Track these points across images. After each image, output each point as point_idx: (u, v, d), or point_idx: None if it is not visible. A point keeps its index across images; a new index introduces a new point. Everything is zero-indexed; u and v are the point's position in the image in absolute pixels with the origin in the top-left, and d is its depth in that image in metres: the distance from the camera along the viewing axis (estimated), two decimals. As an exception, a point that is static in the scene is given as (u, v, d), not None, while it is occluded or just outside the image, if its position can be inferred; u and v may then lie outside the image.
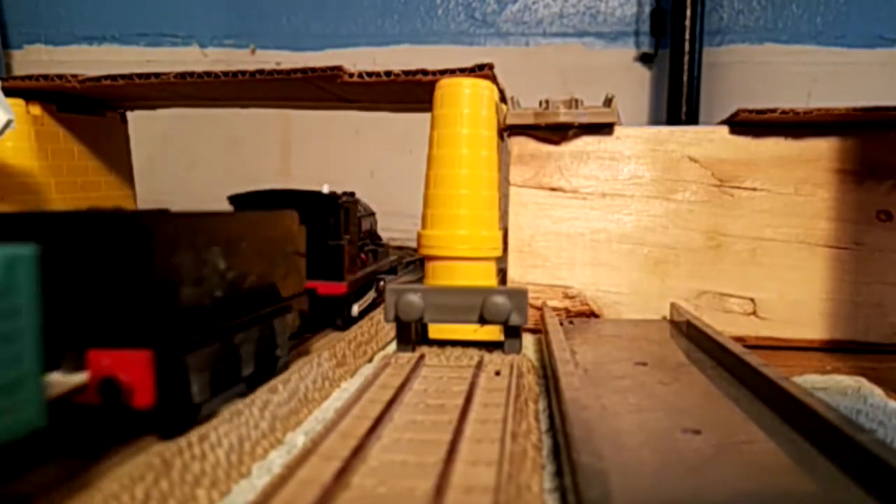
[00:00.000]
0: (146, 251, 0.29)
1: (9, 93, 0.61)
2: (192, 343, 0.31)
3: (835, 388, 0.42)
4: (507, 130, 0.61)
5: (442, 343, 0.49)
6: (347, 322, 0.58)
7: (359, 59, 1.20)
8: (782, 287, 0.58)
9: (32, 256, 0.20)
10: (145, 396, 0.28)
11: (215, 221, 0.35)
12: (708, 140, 0.59)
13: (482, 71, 0.55)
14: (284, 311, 0.42)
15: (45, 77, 0.63)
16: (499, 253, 0.57)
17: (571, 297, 0.61)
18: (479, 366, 0.42)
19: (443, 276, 0.55)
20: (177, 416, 0.31)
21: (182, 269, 0.31)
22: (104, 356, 0.27)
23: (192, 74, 0.60)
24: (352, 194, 0.62)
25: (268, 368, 0.40)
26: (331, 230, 0.56)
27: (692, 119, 1.13)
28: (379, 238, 0.74)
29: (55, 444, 0.28)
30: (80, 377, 0.27)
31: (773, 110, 0.55)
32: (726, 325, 0.58)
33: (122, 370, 0.28)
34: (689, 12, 1.12)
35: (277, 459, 0.30)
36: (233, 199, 0.57)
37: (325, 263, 0.55)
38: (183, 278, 0.31)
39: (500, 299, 0.44)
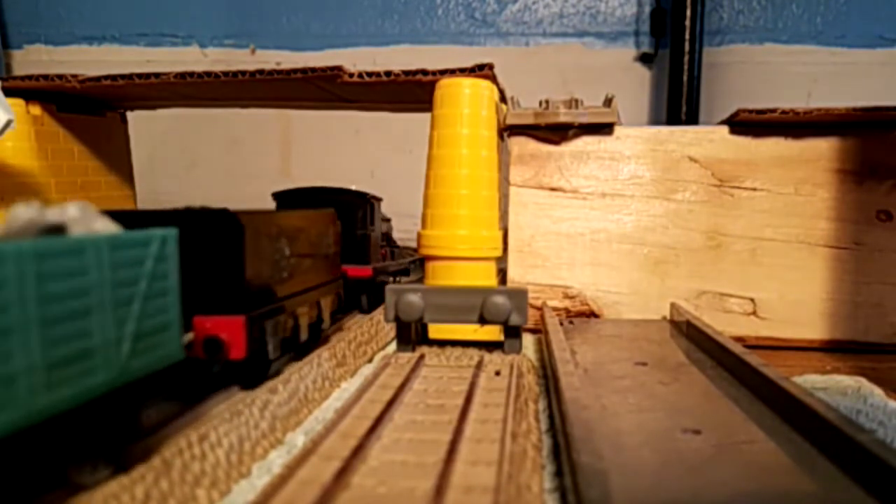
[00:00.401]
0: (239, 241, 0.37)
1: (9, 93, 0.61)
2: (268, 312, 0.39)
3: (835, 388, 0.42)
4: (507, 130, 0.61)
5: (442, 343, 0.49)
6: (371, 304, 0.64)
7: (359, 59, 1.20)
8: (782, 287, 0.58)
9: (176, 235, 0.28)
10: (239, 351, 0.36)
11: (282, 218, 0.44)
12: (708, 140, 0.59)
13: (482, 71, 0.55)
14: (328, 291, 0.51)
15: (45, 77, 0.63)
16: (499, 253, 0.57)
17: (571, 297, 0.61)
18: (479, 366, 0.42)
19: (443, 276, 0.55)
20: (256, 369, 0.38)
21: (263, 254, 0.40)
22: (207, 321, 0.35)
23: (192, 74, 0.60)
24: (377, 197, 0.71)
25: (315, 338, 0.48)
26: (359, 222, 0.65)
27: (692, 119, 1.13)
28: (395, 241, 0.84)
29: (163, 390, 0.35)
30: (189, 336, 0.34)
31: (773, 110, 0.55)
32: (726, 325, 0.58)
33: (222, 331, 0.35)
34: (689, 12, 1.12)
35: (277, 459, 0.30)
36: (276, 196, 0.65)
37: (354, 250, 0.64)
38: (263, 262, 0.40)
39: (500, 299, 0.44)
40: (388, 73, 0.58)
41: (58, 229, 0.24)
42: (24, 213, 0.23)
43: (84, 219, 0.25)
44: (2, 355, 0.19)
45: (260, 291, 0.39)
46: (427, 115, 0.57)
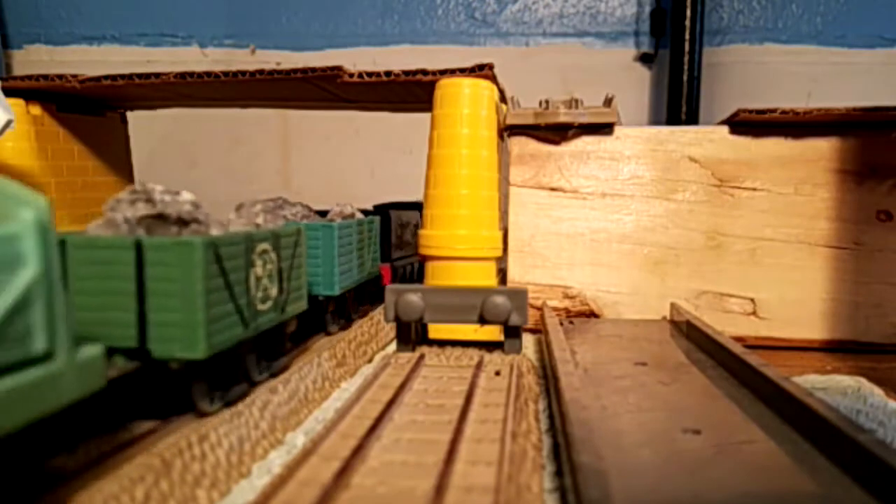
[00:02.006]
0: (388, 226, 0.72)
1: (9, 93, 0.61)
2: (396, 261, 0.75)
3: (835, 388, 0.42)
4: (507, 130, 0.61)
5: (442, 343, 0.49)
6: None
7: (359, 59, 1.20)
8: (782, 287, 0.58)
9: (337, 227, 0.51)
10: (386, 280, 0.68)
11: (401, 216, 0.77)
12: (708, 140, 0.59)
13: (482, 71, 0.55)
14: (411, 261, 0.81)
15: (45, 77, 0.63)
16: (499, 253, 0.57)
17: (571, 297, 0.61)
18: (479, 366, 0.42)
19: (443, 276, 0.55)
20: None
21: (396, 234, 0.74)
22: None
23: (192, 74, 0.60)
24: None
25: (412, 278, 0.81)
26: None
27: (692, 119, 1.13)
28: None
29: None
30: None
31: (773, 110, 0.55)
32: (726, 325, 0.58)
33: (384, 271, 0.68)
34: (689, 12, 1.12)
35: (277, 459, 0.30)
36: (375, 207, 0.80)
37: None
38: (396, 238, 0.75)
39: (500, 299, 0.44)
40: (388, 73, 0.58)
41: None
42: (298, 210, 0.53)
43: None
44: (297, 280, 0.43)
45: (394, 253, 0.74)
46: (427, 115, 0.57)
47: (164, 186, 0.34)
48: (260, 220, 0.47)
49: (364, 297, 0.61)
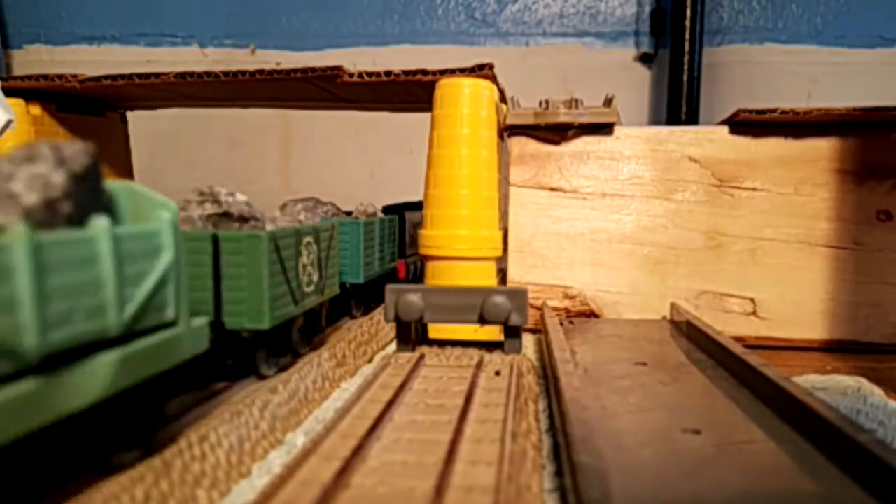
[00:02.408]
0: (403, 224, 0.76)
1: (9, 93, 0.61)
2: (409, 258, 0.78)
3: (835, 388, 0.42)
4: (507, 130, 0.61)
5: (442, 343, 0.49)
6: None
7: (359, 59, 1.20)
8: (782, 287, 0.58)
9: (362, 224, 0.59)
10: (402, 274, 0.73)
11: (413, 215, 0.78)
12: (708, 140, 0.59)
13: (482, 71, 0.55)
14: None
15: (45, 77, 0.63)
16: (499, 253, 0.57)
17: (571, 297, 0.61)
18: (479, 366, 0.42)
19: (443, 276, 0.55)
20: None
21: (409, 233, 0.77)
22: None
23: (192, 74, 0.60)
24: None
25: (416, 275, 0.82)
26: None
27: (692, 119, 1.13)
28: None
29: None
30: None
31: (773, 110, 0.55)
32: (726, 325, 0.58)
33: (399, 266, 0.72)
34: (689, 12, 1.12)
35: (277, 459, 0.30)
36: (385, 208, 0.81)
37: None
38: (409, 236, 0.77)
39: (500, 299, 0.44)
40: (388, 73, 0.58)
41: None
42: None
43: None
44: (332, 269, 0.49)
45: (408, 251, 0.77)
46: (427, 115, 0.57)
47: (226, 189, 0.41)
48: (301, 217, 0.54)
49: (381, 288, 0.65)
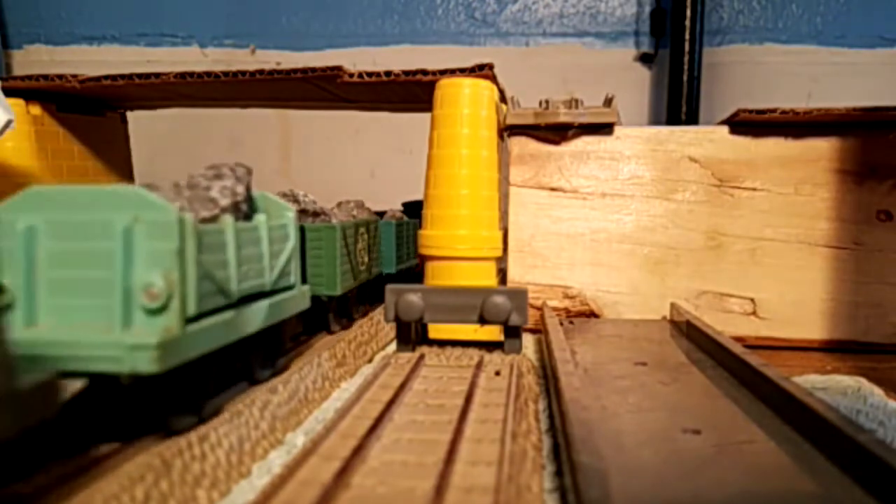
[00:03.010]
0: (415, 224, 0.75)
1: (9, 93, 0.61)
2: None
3: (835, 388, 0.42)
4: (507, 130, 0.61)
5: (442, 343, 0.49)
6: None
7: (359, 59, 1.20)
8: (782, 287, 0.58)
9: (395, 224, 0.68)
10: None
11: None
12: (708, 140, 0.59)
13: (482, 71, 0.55)
14: None
15: (45, 77, 0.63)
16: (499, 253, 0.57)
17: (571, 297, 0.61)
18: (479, 366, 0.42)
19: (443, 276, 0.55)
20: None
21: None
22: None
23: (192, 74, 0.60)
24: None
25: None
26: None
27: (692, 119, 1.13)
28: None
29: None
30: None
31: (773, 110, 0.55)
32: (726, 325, 0.58)
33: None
34: (689, 12, 1.12)
35: (277, 459, 0.30)
36: (404, 204, 0.87)
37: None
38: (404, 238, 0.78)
39: (500, 299, 0.44)
40: (388, 73, 0.58)
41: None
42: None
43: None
44: (376, 256, 0.64)
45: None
46: (427, 115, 0.57)
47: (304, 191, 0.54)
48: (354, 213, 0.63)
49: (407, 277, 0.75)
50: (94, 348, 0.27)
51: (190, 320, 0.30)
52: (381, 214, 0.72)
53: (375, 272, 0.64)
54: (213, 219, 0.34)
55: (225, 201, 0.35)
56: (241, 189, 0.37)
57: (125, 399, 0.30)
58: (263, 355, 0.39)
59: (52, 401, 0.23)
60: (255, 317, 0.36)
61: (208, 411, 0.32)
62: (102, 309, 0.28)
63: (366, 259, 0.60)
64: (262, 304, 0.37)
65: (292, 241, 0.41)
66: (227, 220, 0.34)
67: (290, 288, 0.41)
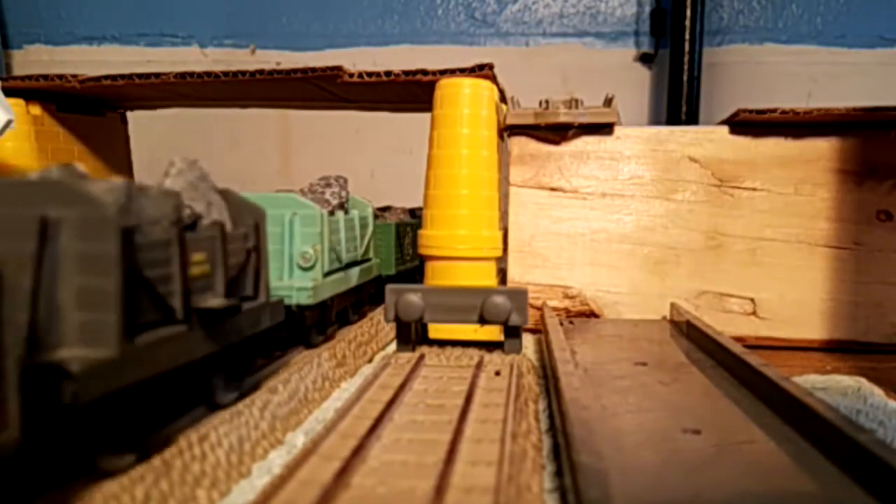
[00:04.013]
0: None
1: (9, 93, 0.61)
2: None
3: (835, 388, 0.42)
4: (507, 130, 0.61)
5: (442, 343, 0.49)
6: None
7: (359, 59, 1.20)
8: (782, 287, 0.58)
9: (395, 225, 0.74)
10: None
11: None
12: (708, 140, 0.59)
13: (482, 71, 0.55)
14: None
15: (45, 77, 0.63)
16: (499, 253, 0.57)
17: (571, 297, 0.61)
18: (479, 366, 0.42)
19: (443, 276, 0.55)
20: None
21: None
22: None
23: (192, 74, 0.60)
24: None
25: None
26: None
27: (692, 119, 1.13)
28: None
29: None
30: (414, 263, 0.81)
31: (773, 110, 0.55)
32: (726, 325, 0.58)
33: None
34: (689, 12, 1.12)
35: (277, 459, 0.30)
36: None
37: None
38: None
39: (500, 299, 0.44)
40: (388, 73, 0.58)
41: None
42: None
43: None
44: (409, 250, 0.78)
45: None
46: (427, 115, 0.57)
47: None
48: (401, 215, 0.77)
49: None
50: (279, 289, 0.47)
51: (324, 275, 0.51)
52: (384, 210, 0.82)
53: (409, 265, 0.78)
54: (331, 213, 0.53)
55: (335, 201, 0.55)
56: (344, 193, 0.56)
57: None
58: (357, 304, 0.62)
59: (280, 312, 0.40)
60: (354, 277, 0.57)
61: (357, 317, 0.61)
62: (277, 268, 0.48)
63: (409, 251, 0.77)
64: (356, 269, 0.58)
65: (370, 229, 0.63)
66: (339, 214, 0.55)
67: (368, 261, 0.63)
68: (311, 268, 0.48)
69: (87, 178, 0.26)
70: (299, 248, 0.48)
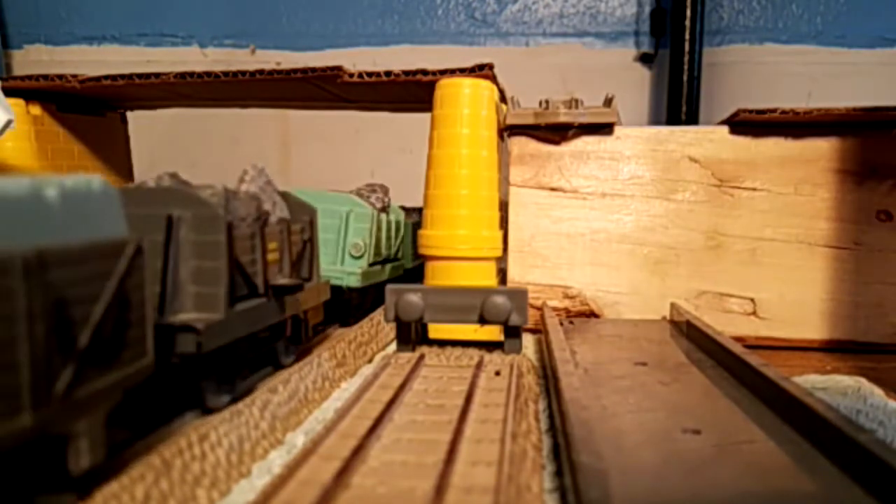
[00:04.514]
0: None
1: (9, 93, 0.61)
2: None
3: (835, 388, 0.42)
4: (507, 130, 0.61)
5: (442, 343, 0.49)
6: None
7: (359, 59, 1.20)
8: (782, 287, 0.58)
9: (412, 224, 0.75)
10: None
11: None
12: (708, 140, 0.59)
13: (482, 71, 0.55)
14: None
15: (45, 77, 0.63)
16: (499, 253, 0.57)
17: (571, 297, 0.61)
18: (479, 366, 0.42)
19: (443, 276, 0.55)
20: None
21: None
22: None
23: (192, 74, 0.60)
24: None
25: None
26: None
27: (692, 119, 1.13)
28: None
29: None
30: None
31: (773, 110, 0.55)
32: (726, 325, 0.58)
33: None
34: (689, 12, 1.12)
35: (277, 459, 0.30)
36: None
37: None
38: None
39: (500, 299, 0.44)
40: (388, 73, 0.58)
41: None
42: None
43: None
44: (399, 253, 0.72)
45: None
46: (427, 115, 0.57)
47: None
48: (413, 217, 0.78)
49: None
50: (333, 272, 0.56)
51: (369, 265, 0.58)
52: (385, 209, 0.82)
53: (419, 262, 0.85)
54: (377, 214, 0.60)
55: (379, 205, 0.62)
56: (386, 199, 0.65)
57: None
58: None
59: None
60: (387, 271, 0.64)
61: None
62: (332, 255, 0.57)
63: (410, 249, 0.82)
64: (389, 265, 0.65)
65: (402, 231, 0.69)
66: (382, 215, 0.62)
67: (399, 259, 0.69)
68: (361, 257, 0.57)
69: (191, 184, 0.34)
70: (352, 240, 0.57)
